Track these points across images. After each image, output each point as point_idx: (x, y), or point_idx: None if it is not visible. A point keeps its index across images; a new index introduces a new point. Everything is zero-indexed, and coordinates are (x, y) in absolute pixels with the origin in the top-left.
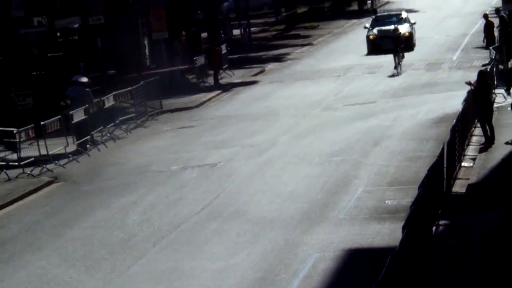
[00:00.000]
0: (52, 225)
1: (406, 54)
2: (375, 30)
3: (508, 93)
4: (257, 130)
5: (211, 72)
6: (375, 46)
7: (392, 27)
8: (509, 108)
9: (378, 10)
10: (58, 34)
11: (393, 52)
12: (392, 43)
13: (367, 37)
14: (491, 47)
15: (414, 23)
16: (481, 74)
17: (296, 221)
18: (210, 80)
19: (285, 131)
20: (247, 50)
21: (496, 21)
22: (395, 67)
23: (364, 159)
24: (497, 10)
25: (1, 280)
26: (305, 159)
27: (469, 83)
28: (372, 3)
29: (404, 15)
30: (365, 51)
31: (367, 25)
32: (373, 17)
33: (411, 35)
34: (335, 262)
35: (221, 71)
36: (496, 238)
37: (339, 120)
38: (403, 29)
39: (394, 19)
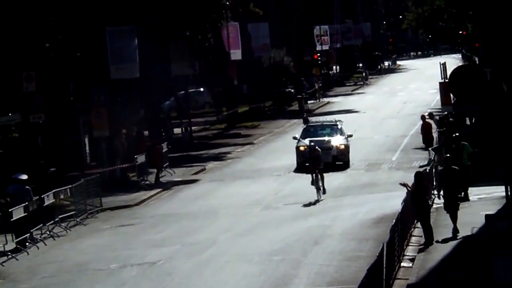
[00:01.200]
0: None
1: (340, 174)
2: (306, 141)
3: (439, 195)
4: (197, 228)
5: (152, 170)
6: (306, 160)
7: (326, 138)
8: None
9: (309, 119)
10: None
11: (312, 174)
12: (311, 164)
13: (297, 148)
14: (430, 148)
15: (350, 136)
16: (417, 175)
17: None
18: (151, 178)
19: (225, 230)
20: (188, 149)
21: (433, 123)
22: (312, 183)
23: (304, 258)
24: (431, 115)
25: None
26: (245, 258)
27: (403, 185)
28: (301, 110)
29: (339, 125)
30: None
31: (297, 135)
32: (304, 126)
33: (346, 149)
34: None
35: (162, 170)
36: None
37: (279, 219)
38: (337, 141)
39: (328, 130)
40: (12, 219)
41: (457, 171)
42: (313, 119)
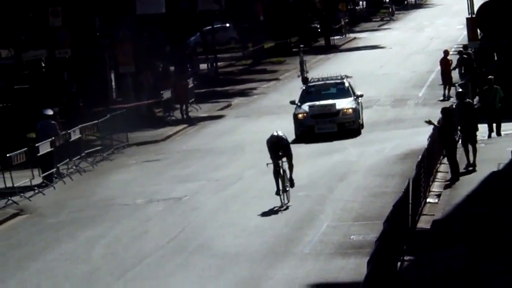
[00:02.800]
0: (16, 258)
1: (351, 141)
2: (305, 107)
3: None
4: (222, 164)
5: (178, 106)
6: (307, 130)
7: (330, 101)
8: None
9: (310, 78)
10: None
11: (274, 163)
12: (272, 149)
13: (295, 116)
14: (457, 84)
15: (361, 95)
16: (444, 111)
17: (261, 256)
18: (177, 114)
19: (250, 165)
20: (213, 85)
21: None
22: (278, 192)
23: (329, 194)
24: (465, 47)
25: None
26: (270, 194)
27: (429, 122)
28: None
29: (346, 83)
30: None
31: (295, 99)
32: (303, 87)
33: (355, 113)
34: None
35: (188, 105)
36: (459, 275)
37: (304, 156)
38: (344, 103)
39: (333, 90)
40: (38, 154)
41: (471, 105)
42: (315, 75)
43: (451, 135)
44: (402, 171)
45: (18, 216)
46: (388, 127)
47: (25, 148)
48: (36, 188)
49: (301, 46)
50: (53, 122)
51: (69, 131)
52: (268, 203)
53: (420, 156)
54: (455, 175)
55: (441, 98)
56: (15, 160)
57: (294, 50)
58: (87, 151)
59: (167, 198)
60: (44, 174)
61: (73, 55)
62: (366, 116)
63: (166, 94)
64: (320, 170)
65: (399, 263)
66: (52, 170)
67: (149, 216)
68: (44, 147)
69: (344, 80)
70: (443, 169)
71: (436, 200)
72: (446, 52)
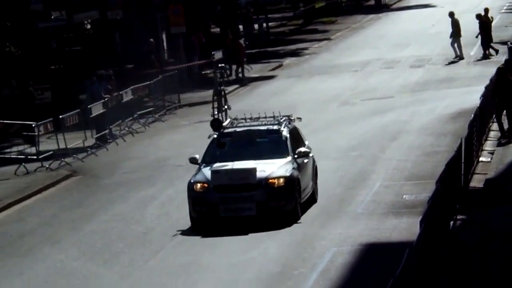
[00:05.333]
0: (70, 218)
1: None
2: (207, 171)
3: None
4: None
5: (229, 66)
6: (206, 211)
7: (248, 164)
8: None
9: (229, 120)
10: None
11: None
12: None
13: (189, 187)
14: (509, 42)
15: (306, 153)
16: (500, 70)
17: (314, 216)
18: (229, 75)
19: (302, 125)
20: (264, 45)
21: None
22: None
23: (381, 154)
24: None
25: (20, 273)
26: (323, 153)
27: None
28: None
29: (284, 132)
30: (384, 47)
31: (197, 156)
32: (213, 136)
33: (290, 186)
34: (353, 256)
35: (242, 65)
36: None
37: (356, 115)
38: (273, 168)
39: (261, 142)
40: (91, 116)
41: None
42: (234, 114)
43: (508, 92)
44: (455, 130)
45: (72, 177)
46: (440, 86)
47: (78, 110)
48: (89, 149)
49: (220, 65)
50: (105, 83)
51: (121, 92)
52: (320, 164)
53: (472, 115)
54: (510, 134)
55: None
56: (68, 121)
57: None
58: (139, 112)
59: None
60: (97, 136)
61: (124, 16)
62: (418, 75)
63: (218, 55)
64: (373, 129)
65: (451, 222)
66: (105, 132)
67: None
68: (97, 109)
69: (281, 127)
70: (496, 127)
71: (489, 159)
72: (486, 10)
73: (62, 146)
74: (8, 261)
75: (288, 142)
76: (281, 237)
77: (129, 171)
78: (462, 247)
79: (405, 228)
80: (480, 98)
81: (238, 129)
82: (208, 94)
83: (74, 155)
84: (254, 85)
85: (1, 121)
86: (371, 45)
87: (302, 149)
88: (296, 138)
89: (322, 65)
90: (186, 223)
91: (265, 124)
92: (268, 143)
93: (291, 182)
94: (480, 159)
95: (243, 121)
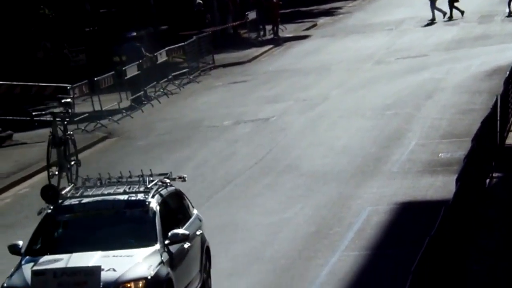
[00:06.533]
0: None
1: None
2: (27, 269)
3: None
4: (309, 84)
5: (263, 26)
6: None
7: (90, 259)
8: None
9: (74, 185)
10: None
11: None
12: None
13: None
14: None
15: (185, 236)
16: None
17: (349, 175)
18: (262, 35)
19: (337, 85)
20: (298, 4)
21: None
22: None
23: (416, 112)
24: None
25: None
26: (357, 113)
27: None
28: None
29: (153, 205)
30: (418, 5)
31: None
32: (46, 211)
33: None
34: (388, 215)
35: (278, 25)
36: None
37: (391, 74)
38: (129, 265)
39: (118, 222)
40: (126, 77)
41: None
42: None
43: None
44: (490, 87)
45: (107, 139)
46: (475, 43)
47: (113, 72)
48: (124, 111)
49: (64, 100)
50: (138, 44)
51: (155, 54)
52: (355, 123)
53: (507, 72)
54: None
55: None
56: (103, 83)
57: None
58: (174, 73)
59: (254, 119)
60: (132, 97)
61: None
62: (453, 33)
63: (252, 15)
64: (408, 88)
65: (487, 180)
66: (140, 93)
67: (237, 137)
68: (132, 70)
69: (149, 197)
70: None
71: None
72: None
73: (97, 108)
74: None
75: (157, 221)
76: (316, 197)
77: (164, 133)
78: (499, 204)
79: (440, 186)
80: None
81: (84, 200)
82: (244, 54)
83: (109, 117)
84: (288, 45)
85: (36, 83)
86: (405, 4)
87: (180, 230)
88: (175, 211)
89: (356, 24)
90: (222, 184)
91: (124, 192)
92: (127, 223)
93: (156, 286)
94: None
95: (94, 186)
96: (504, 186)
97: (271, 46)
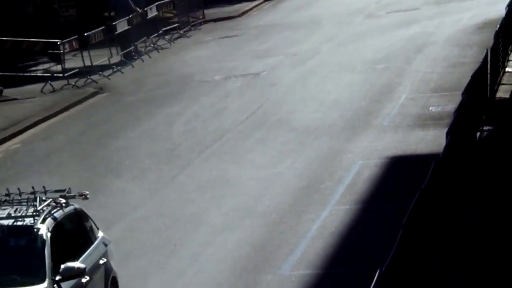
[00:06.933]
0: (97, 135)
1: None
2: None
3: None
4: (299, 38)
5: None
6: None
7: None
8: None
9: None
10: None
11: None
12: None
13: None
14: None
15: (81, 271)
16: None
17: (340, 129)
18: None
19: (327, 39)
20: None
21: None
22: None
23: (407, 66)
24: None
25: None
26: (348, 67)
27: None
28: None
29: (43, 228)
30: None
31: None
32: None
33: None
34: (379, 169)
35: None
36: None
37: (381, 28)
38: None
39: None
40: (116, 32)
41: None
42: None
43: None
44: (480, 41)
45: (98, 94)
46: None
47: (103, 27)
48: (114, 66)
49: None
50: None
51: (145, 9)
52: (346, 77)
53: (498, 26)
54: None
55: None
56: (93, 39)
57: None
58: (164, 28)
59: (245, 74)
60: (122, 52)
61: None
62: None
63: None
64: (398, 42)
65: (478, 133)
66: (130, 48)
67: (228, 92)
68: (122, 25)
69: (38, 222)
70: None
71: None
72: None
73: (87, 63)
74: (37, 178)
75: (47, 252)
76: (307, 152)
77: (154, 88)
78: (488, 157)
79: (431, 140)
80: (506, 8)
81: None
82: (235, 9)
83: (100, 73)
84: None
85: (26, 39)
86: None
87: (76, 264)
88: (73, 237)
89: None
90: (213, 139)
91: (9, 216)
92: (10, 255)
93: None
94: (507, 69)
95: None
96: (494, 139)
97: (261, 0)
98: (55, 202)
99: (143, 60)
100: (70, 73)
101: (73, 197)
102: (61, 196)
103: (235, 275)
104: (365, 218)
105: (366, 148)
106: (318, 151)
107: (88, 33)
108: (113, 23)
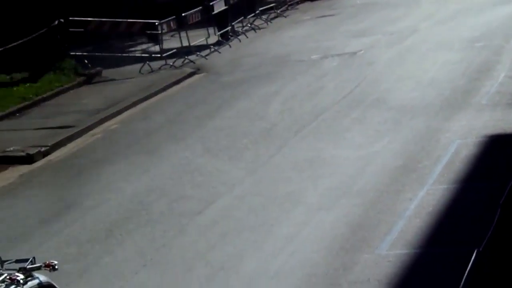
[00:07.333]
0: (194, 115)
1: None
2: None
3: None
4: (397, 17)
5: None
6: None
7: None
8: None
9: None
10: None
11: None
12: None
13: None
14: None
15: None
16: None
17: (437, 108)
18: None
19: (425, 17)
20: None
21: None
22: None
23: (506, 44)
24: None
25: (146, 170)
26: (446, 45)
27: None
28: None
29: None
30: None
31: None
32: None
33: None
34: (477, 148)
35: None
36: None
37: (480, 5)
38: None
39: None
40: (213, 13)
41: None
42: None
43: None
44: None
45: (195, 74)
46: None
47: (200, 7)
48: (212, 46)
49: None
50: None
51: None
52: (444, 55)
53: None
54: None
55: None
56: (191, 19)
57: None
58: (261, 8)
59: (342, 53)
60: (219, 32)
61: None
62: None
63: None
64: (497, 19)
65: None
66: (227, 28)
67: (325, 71)
68: (219, 5)
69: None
70: None
71: None
72: None
73: (185, 44)
74: (135, 158)
75: None
76: (404, 131)
77: (251, 68)
78: None
79: None
80: None
81: None
82: None
83: (197, 53)
84: None
85: (125, 20)
86: None
87: None
88: None
89: None
90: (310, 118)
91: None
92: None
93: None
94: None
95: None
96: None
97: None
98: (10, 278)
99: (240, 40)
100: (168, 53)
101: (39, 268)
102: (20, 269)
103: (332, 255)
104: (463, 198)
105: (464, 127)
106: (415, 130)
107: (186, 13)
108: (211, 3)
